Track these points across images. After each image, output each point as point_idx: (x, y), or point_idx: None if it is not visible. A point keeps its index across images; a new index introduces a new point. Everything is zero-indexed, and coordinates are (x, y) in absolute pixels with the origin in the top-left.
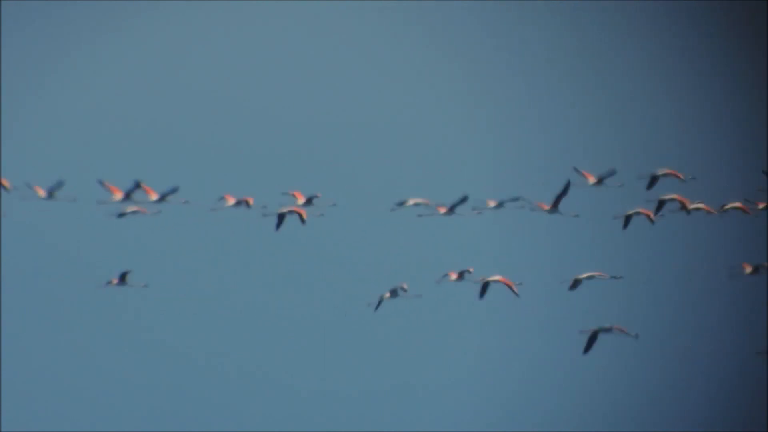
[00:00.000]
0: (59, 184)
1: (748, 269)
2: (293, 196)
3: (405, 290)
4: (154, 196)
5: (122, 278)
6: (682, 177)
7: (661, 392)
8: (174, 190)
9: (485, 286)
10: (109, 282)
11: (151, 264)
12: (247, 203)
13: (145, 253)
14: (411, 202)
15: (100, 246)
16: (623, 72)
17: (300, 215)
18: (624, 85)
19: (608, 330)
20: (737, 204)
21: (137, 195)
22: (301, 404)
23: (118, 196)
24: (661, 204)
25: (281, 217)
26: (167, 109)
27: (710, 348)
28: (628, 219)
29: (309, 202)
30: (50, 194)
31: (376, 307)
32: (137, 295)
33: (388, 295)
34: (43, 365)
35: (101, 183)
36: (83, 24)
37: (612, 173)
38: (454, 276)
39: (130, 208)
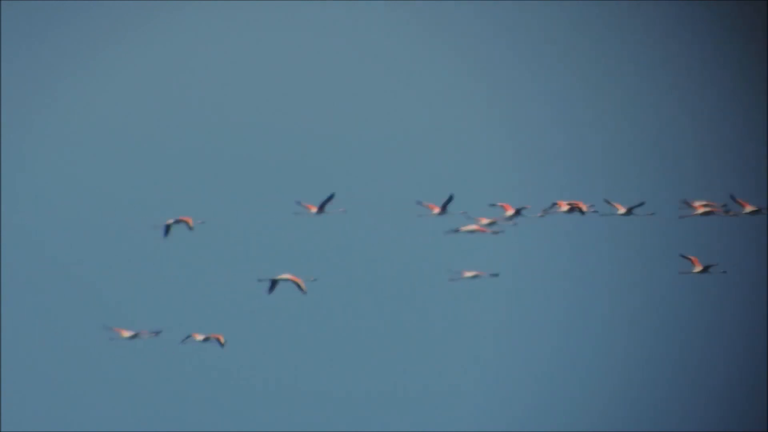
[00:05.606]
0: (330, 198)
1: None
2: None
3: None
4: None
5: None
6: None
7: (664, 393)
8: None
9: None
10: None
11: (151, 264)
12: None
13: (146, 254)
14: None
15: (100, 246)
16: (633, 72)
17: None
18: (632, 86)
19: None
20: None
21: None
22: (307, 405)
23: None
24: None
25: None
26: (166, 113)
27: (712, 350)
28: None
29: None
30: (321, 209)
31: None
32: (137, 296)
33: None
34: (43, 365)
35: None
36: (87, 26)
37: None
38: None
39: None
